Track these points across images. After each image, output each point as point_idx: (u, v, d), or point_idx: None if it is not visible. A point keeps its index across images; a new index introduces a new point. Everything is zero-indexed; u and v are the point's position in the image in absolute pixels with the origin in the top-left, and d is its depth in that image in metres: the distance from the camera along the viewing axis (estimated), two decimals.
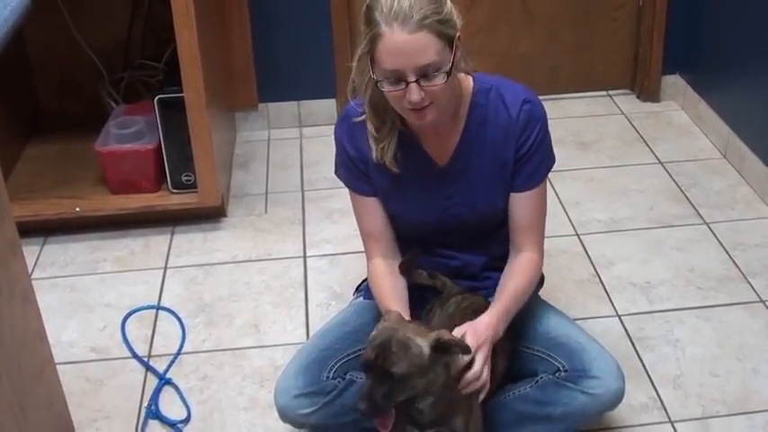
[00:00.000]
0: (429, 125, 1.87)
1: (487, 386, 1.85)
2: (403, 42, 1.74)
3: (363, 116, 1.91)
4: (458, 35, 1.79)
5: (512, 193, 1.99)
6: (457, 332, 1.84)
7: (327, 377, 1.98)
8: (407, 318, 1.89)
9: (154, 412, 2.28)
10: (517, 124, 1.93)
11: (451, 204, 2.02)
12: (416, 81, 1.76)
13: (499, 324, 1.89)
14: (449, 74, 1.77)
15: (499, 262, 2.10)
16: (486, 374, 1.83)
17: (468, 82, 1.96)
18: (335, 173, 2.10)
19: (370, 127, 1.91)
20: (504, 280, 2.01)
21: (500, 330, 1.90)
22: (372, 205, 2.06)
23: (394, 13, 1.72)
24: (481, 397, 1.85)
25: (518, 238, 2.02)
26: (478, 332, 1.84)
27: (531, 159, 1.95)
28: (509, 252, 2.05)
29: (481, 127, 1.95)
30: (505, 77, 2.00)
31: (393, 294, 2.00)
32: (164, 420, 2.26)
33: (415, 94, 1.78)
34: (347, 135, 2.01)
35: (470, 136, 1.96)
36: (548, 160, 2.01)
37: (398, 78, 1.77)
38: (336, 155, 2.07)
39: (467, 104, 1.95)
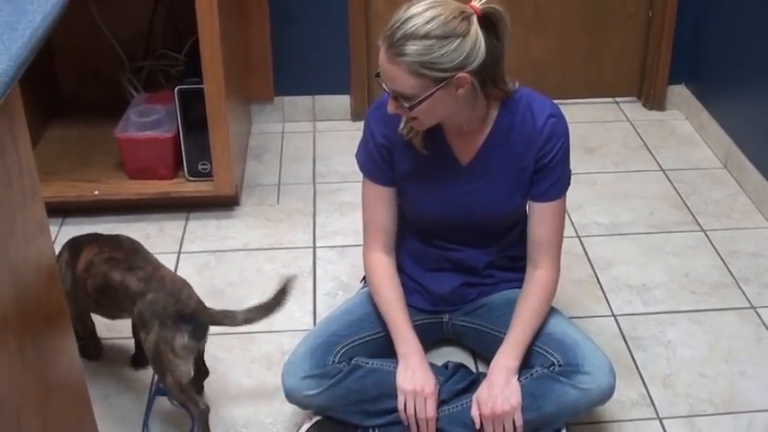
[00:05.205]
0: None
1: None
2: (381, 63, 1.83)
3: None
4: (457, 75, 1.80)
5: (533, 204, 2.05)
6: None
7: (333, 361, 2.06)
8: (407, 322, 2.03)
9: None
10: (541, 135, 1.99)
11: (467, 201, 2.08)
12: (395, 97, 1.85)
13: (514, 360, 2.00)
14: (413, 108, 1.83)
15: (504, 261, 2.16)
16: None
17: None
18: (356, 155, 2.14)
19: None
20: (520, 304, 2.07)
21: (515, 365, 2.00)
22: (385, 196, 2.12)
23: (389, 33, 1.80)
24: None
25: (536, 254, 2.08)
26: (483, 402, 1.96)
27: (553, 170, 2.02)
28: (525, 266, 2.11)
29: (507, 132, 2.01)
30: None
31: (398, 304, 2.11)
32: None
33: (390, 106, 1.88)
34: (379, 121, 2.05)
35: (495, 139, 2.02)
36: (566, 177, 2.07)
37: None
38: (362, 139, 2.12)
39: (496, 110, 2.01)
